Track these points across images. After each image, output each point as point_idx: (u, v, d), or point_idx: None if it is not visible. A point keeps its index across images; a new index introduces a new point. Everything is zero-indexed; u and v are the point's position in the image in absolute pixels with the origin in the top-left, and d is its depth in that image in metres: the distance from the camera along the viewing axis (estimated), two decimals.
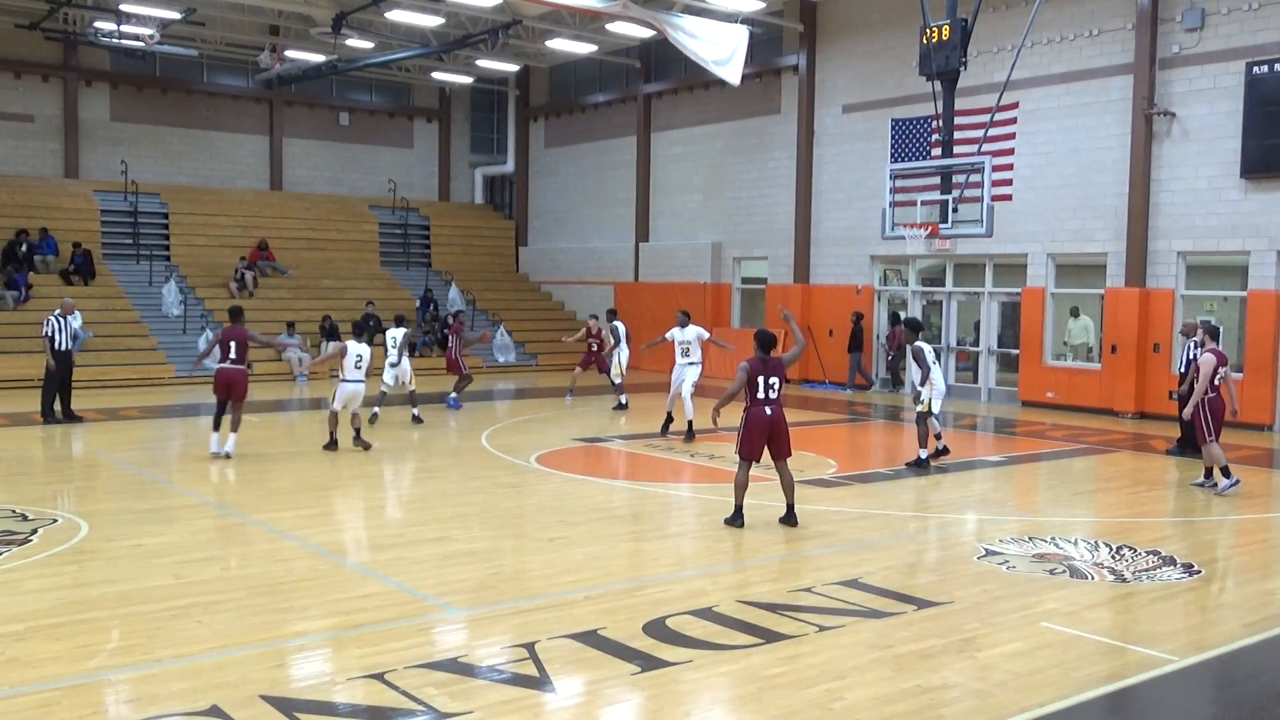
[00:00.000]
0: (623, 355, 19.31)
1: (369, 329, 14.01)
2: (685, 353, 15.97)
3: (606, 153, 30.81)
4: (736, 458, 9.97)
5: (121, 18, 24.55)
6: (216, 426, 13.69)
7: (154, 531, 9.47)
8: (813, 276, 24.82)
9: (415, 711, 5.47)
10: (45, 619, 6.90)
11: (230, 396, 13.47)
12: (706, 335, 16.35)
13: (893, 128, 22.14)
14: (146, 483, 12.05)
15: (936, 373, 13.29)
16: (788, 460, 10.05)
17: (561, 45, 27.28)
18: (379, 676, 5.90)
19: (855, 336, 23.39)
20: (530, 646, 6.43)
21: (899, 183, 17.90)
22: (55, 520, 9.71)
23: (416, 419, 17.22)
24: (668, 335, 16.37)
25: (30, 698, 5.58)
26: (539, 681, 5.91)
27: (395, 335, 17.48)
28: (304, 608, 7.27)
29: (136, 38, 25.14)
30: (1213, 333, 13.51)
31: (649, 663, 6.20)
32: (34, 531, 9.24)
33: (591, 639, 6.58)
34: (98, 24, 25.26)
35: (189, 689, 5.72)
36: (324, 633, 6.77)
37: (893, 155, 21.75)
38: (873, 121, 23.20)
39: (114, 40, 25.44)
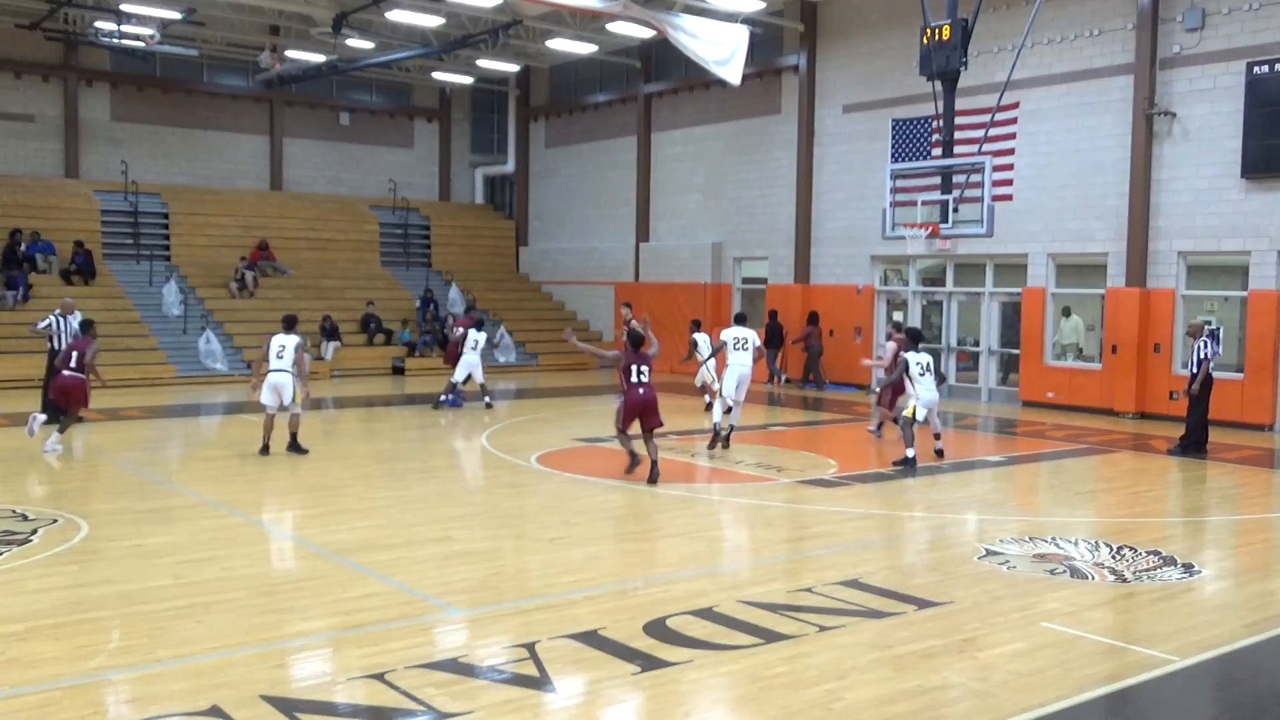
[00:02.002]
0: (712, 366, 17.52)
1: (294, 322, 14.51)
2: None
3: (607, 153, 30.82)
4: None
5: (122, 18, 24.55)
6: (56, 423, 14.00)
7: (154, 531, 9.47)
8: (813, 276, 24.82)
9: (416, 711, 5.47)
10: (46, 619, 6.90)
11: (67, 404, 13.71)
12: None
13: (893, 128, 22.15)
14: (147, 483, 12.05)
15: (922, 385, 13.68)
16: (654, 432, 12.15)
17: (562, 45, 27.28)
18: (379, 676, 5.90)
19: (773, 333, 24.06)
20: (530, 646, 6.43)
21: (899, 183, 17.90)
22: (56, 520, 9.71)
23: (489, 405, 19.03)
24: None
25: (31, 698, 5.58)
26: (539, 681, 5.91)
27: (477, 338, 19.20)
28: (304, 608, 7.27)
29: (137, 38, 25.15)
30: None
31: (649, 663, 6.20)
32: (35, 531, 9.24)
33: (592, 639, 6.58)
34: (98, 24, 25.26)
35: (189, 689, 5.72)
36: (324, 633, 6.77)
37: (893, 155, 21.77)
38: (873, 121, 23.20)
39: (114, 40, 25.44)
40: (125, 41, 25.38)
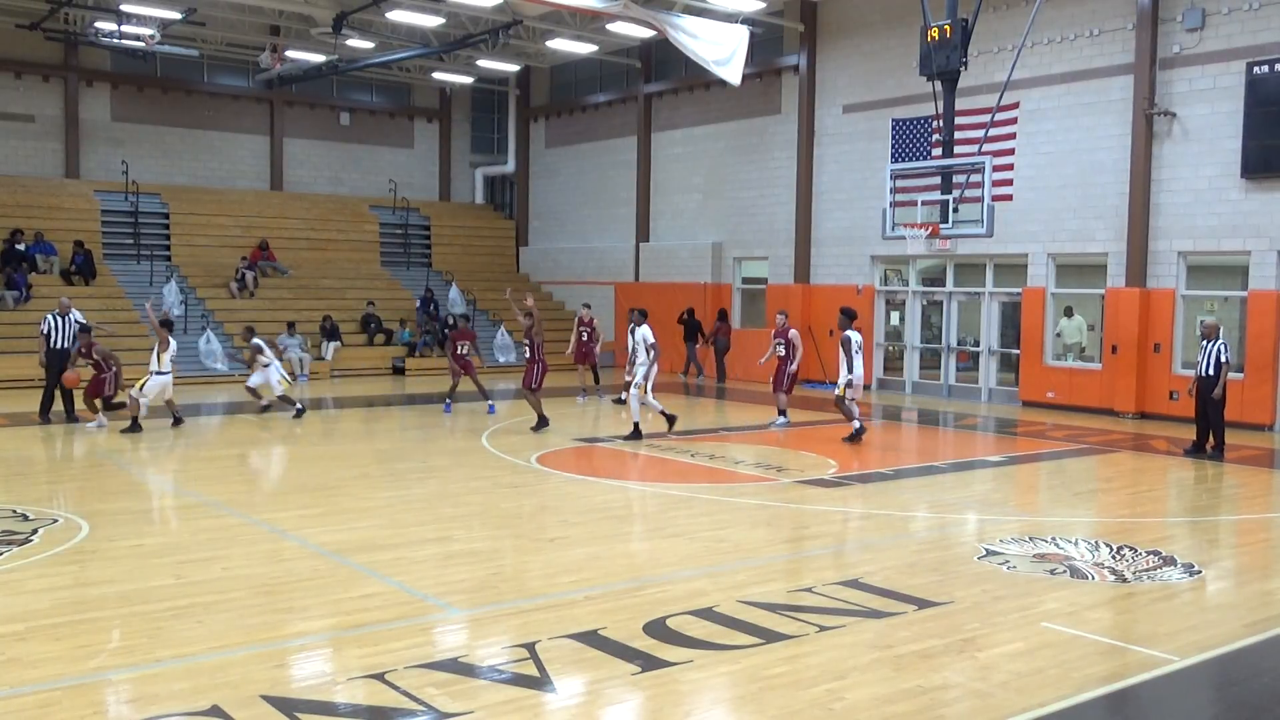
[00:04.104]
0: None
1: (173, 325, 16.92)
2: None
3: (607, 153, 30.83)
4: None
5: (122, 18, 24.56)
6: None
7: (154, 531, 9.48)
8: (813, 276, 24.83)
9: (416, 711, 5.47)
10: (46, 619, 6.90)
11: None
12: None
13: (893, 128, 22.15)
14: (147, 483, 12.05)
15: (857, 363, 15.29)
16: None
17: (562, 45, 27.29)
18: (379, 676, 5.90)
19: (690, 328, 25.81)
20: (531, 646, 6.43)
21: (899, 183, 17.89)
22: (56, 520, 9.71)
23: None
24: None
25: (31, 698, 5.59)
26: (539, 681, 5.92)
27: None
28: (304, 608, 7.28)
29: (137, 38, 25.15)
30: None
31: (649, 663, 6.20)
32: (35, 531, 9.24)
33: (592, 639, 6.58)
34: (98, 24, 25.25)
35: (190, 689, 5.72)
36: (324, 633, 6.77)
37: (893, 155, 21.76)
38: (873, 121, 23.20)
39: (115, 40, 25.44)
40: (125, 42, 25.39)
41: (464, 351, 18.69)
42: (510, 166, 34.06)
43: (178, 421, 16.22)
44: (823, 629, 6.89)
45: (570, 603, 7.41)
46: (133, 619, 6.96)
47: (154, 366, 15.85)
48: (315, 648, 6.54)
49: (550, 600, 7.51)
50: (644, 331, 16.10)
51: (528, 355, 16.72)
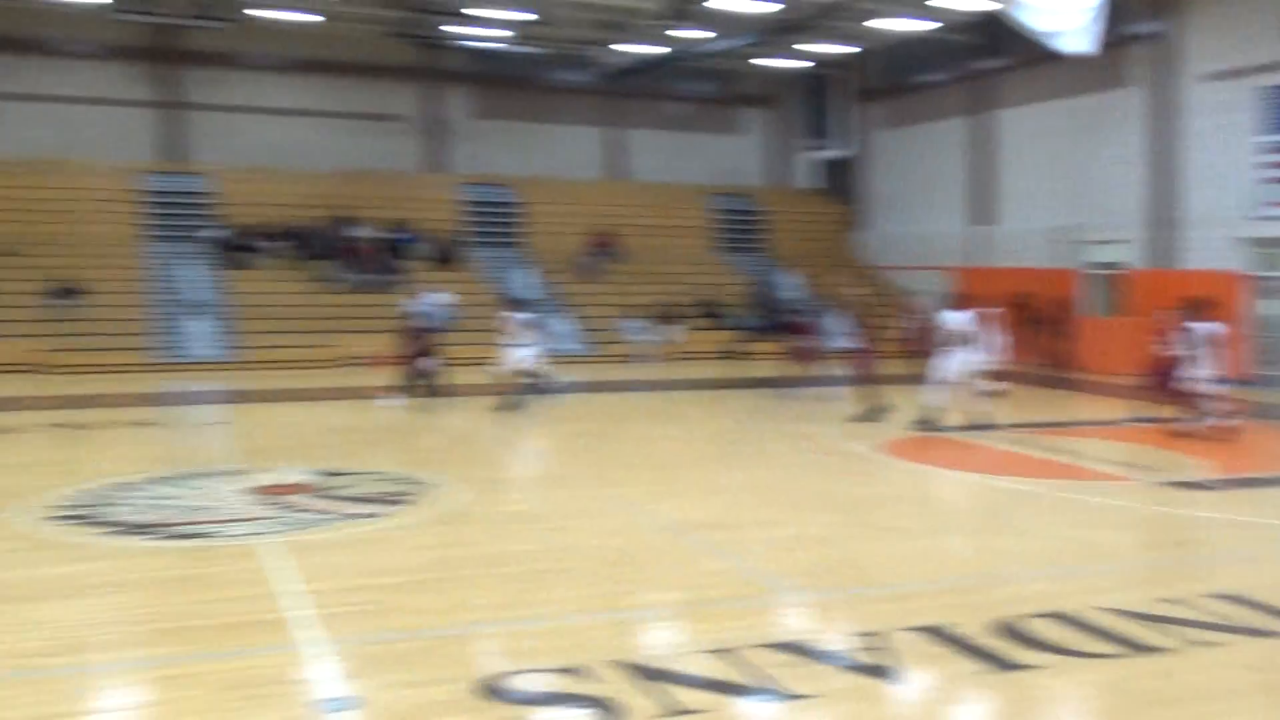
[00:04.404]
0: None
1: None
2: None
3: (942, 133, 29.82)
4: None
5: (476, 21, 26.40)
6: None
7: (519, 500, 10.19)
8: (1173, 260, 22.89)
9: (762, 689, 5.55)
10: (427, 573, 7.59)
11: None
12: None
13: (1263, 97, 19.97)
14: (512, 454, 12.94)
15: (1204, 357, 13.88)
16: None
17: (896, 25, 26.63)
18: (725, 652, 6.02)
19: (1023, 316, 22.98)
20: (874, 635, 6.35)
21: (1271, 157, 16.11)
22: (435, 484, 10.63)
23: None
24: None
25: (415, 643, 6.15)
26: (884, 671, 5.83)
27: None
28: (652, 579, 7.56)
29: (489, 40, 26.96)
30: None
31: (999, 663, 5.96)
32: (419, 494, 10.16)
33: (938, 633, 6.41)
34: (458, 28, 27.30)
35: (550, 648, 6.09)
36: (672, 605, 7.01)
37: (1264, 127, 19.66)
38: (1238, 92, 20.98)
39: (470, 43, 27.41)
40: (479, 44, 27.30)
41: (806, 344, 18.71)
42: (843, 150, 33.70)
43: (538, 393, 16.79)
44: (1195, 644, 6.36)
45: (914, 594, 7.26)
46: (499, 578, 7.51)
47: (512, 342, 16.58)
48: (663, 619, 6.79)
49: (893, 590, 7.40)
50: (959, 317, 15.24)
51: (856, 345, 16.28)
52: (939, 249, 29.49)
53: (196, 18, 25.35)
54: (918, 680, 5.77)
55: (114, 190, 27.12)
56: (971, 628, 6.50)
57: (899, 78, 31.68)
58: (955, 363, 14.72)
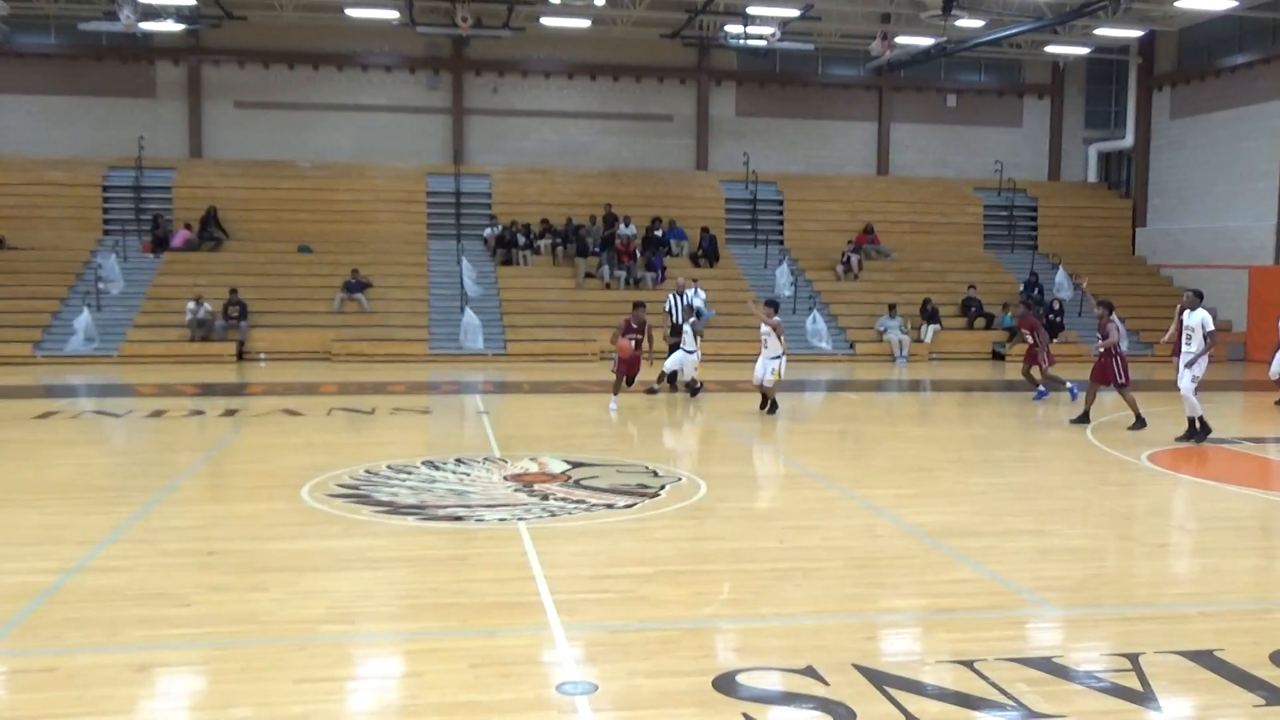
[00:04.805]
0: None
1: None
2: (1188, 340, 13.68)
3: (1245, 120, 27.45)
4: None
5: (748, 20, 26.56)
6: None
7: (763, 496, 10.22)
8: None
9: (1004, 705, 5.33)
10: (669, 565, 7.73)
11: (630, 373, 16.54)
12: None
13: None
14: (757, 451, 12.97)
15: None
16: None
17: (1194, 4, 24.72)
18: (968, 664, 5.83)
19: None
20: (1133, 657, 5.97)
21: None
22: (680, 479, 10.82)
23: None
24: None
25: (656, 633, 6.30)
26: (1142, 697, 5.47)
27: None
28: (896, 585, 7.41)
29: (760, 37, 27.06)
30: None
31: (1278, 696, 5.48)
32: (662, 487, 10.38)
33: (1207, 659, 5.95)
34: (727, 28, 27.58)
35: (787, 647, 6.08)
36: (914, 611, 6.84)
37: None
38: None
39: (740, 41, 27.61)
40: (750, 42, 27.45)
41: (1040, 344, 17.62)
42: (1128, 141, 31.66)
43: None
44: None
45: (1182, 616, 6.77)
46: (740, 575, 7.57)
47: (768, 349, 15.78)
48: (905, 625, 6.64)
49: (1158, 610, 6.92)
50: (1202, 316, 13.60)
51: (1104, 350, 14.81)
52: (1242, 246, 27.18)
53: (488, 28, 26.80)
54: (1180, 708, 5.39)
55: (403, 192, 29.15)
56: (1247, 656, 6.00)
57: (1194, 61, 29.43)
58: (1199, 367, 13.50)
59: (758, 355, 15.72)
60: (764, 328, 15.46)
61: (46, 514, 9.14)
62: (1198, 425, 13.51)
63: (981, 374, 22.97)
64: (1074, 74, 32.84)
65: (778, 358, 15.26)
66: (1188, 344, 13.59)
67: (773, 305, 15.77)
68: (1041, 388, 17.74)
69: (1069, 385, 17.39)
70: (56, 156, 28.24)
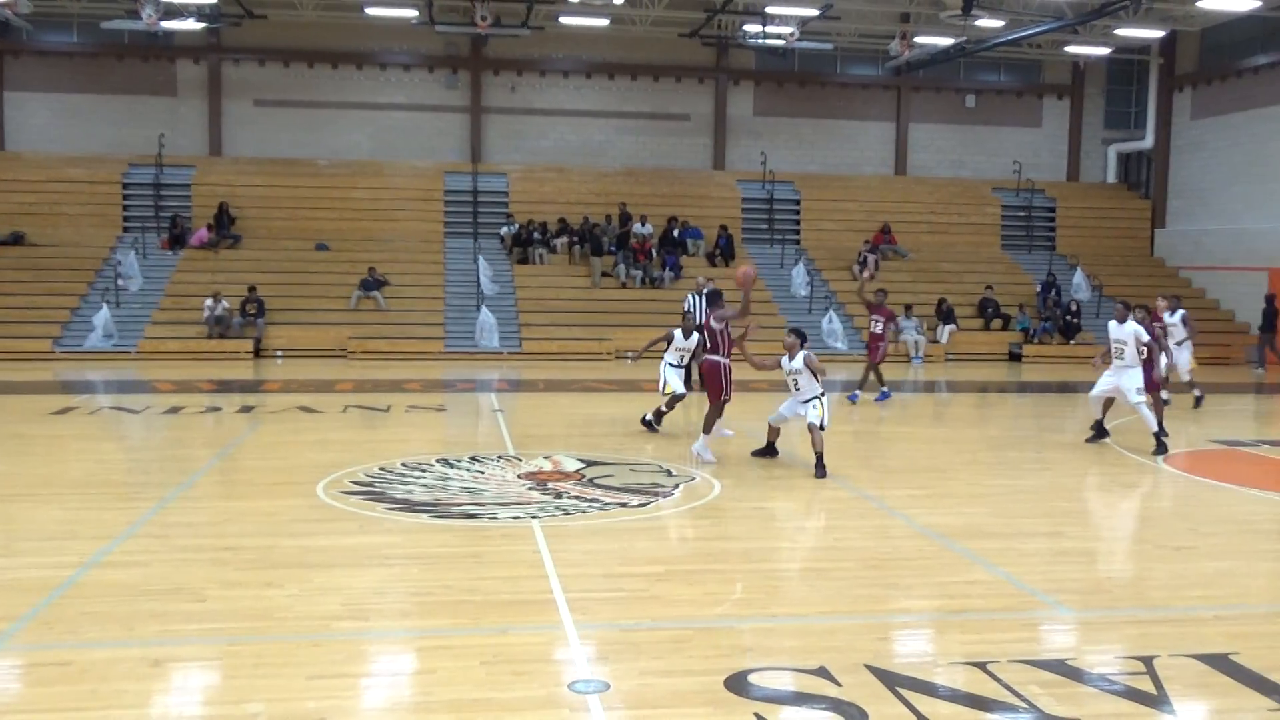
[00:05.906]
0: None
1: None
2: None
3: (1267, 121, 27.27)
4: None
5: (767, 19, 26.52)
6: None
7: (776, 497, 10.19)
8: None
9: (1017, 708, 5.32)
10: (682, 564, 7.74)
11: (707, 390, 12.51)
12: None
13: None
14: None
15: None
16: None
17: (1216, 4, 24.53)
18: (981, 665, 5.81)
19: (1268, 317, 24.11)
20: (1148, 660, 5.94)
21: None
22: (694, 479, 10.82)
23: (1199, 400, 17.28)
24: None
25: (668, 632, 6.30)
26: (1156, 700, 5.45)
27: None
28: (909, 586, 7.39)
29: (779, 37, 27.01)
30: None
31: None
32: (676, 486, 10.38)
33: (1222, 663, 5.92)
34: (746, 27, 27.55)
35: (800, 647, 6.08)
36: (927, 613, 6.83)
37: None
38: None
39: (759, 41, 27.57)
40: (768, 41, 27.40)
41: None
42: (1148, 142, 31.48)
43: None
44: None
45: (1197, 619, 6.73)
46: (753, 574, 7.57)
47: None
48: (918, 626, 6.62)
49: (1173, 614, 6.89)
50: (1134, 328, 13.12)
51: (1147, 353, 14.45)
52: (1262, 248, 27.00)
53: (506, 27, 26.83)
54: (1194, 712, 5.37)
55: (420, 190, 29.21)
56: (1263, 660, 5.97)
57: (1216, 62, 29.24)
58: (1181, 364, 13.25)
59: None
60: (791, 363, 11.35)
61: (64, 509, 9.22)
62: (1156, 436, 12.95)
63: (998, 375, 22.89)
64: (1094, 74, 32.67)
65: (817, 397, 11.29)
66: (1119, 358, 13.13)
67: (799, 335, 11.55)
68: (885, 389, 17.46)
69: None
70: (77, 154, 28.44)
